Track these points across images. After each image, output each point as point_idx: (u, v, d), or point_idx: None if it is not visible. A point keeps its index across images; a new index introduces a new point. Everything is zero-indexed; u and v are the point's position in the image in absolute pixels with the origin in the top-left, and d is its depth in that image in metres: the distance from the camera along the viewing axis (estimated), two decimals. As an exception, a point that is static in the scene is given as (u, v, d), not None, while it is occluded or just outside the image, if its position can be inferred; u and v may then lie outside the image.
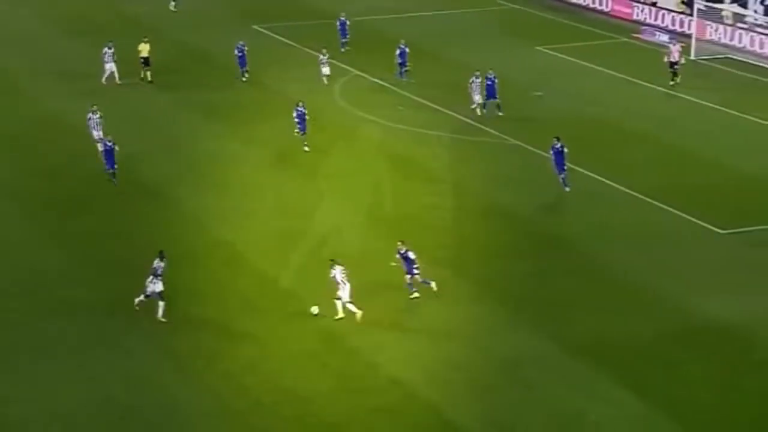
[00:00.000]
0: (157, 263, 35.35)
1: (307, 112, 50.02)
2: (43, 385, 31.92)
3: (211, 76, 62.18)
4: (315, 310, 35.34)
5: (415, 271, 36.41)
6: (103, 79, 59.69)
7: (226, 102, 57.76)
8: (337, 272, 35.41)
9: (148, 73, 59.97)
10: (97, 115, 48.79)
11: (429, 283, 36.62)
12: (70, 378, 32.34)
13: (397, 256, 36.76)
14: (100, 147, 46.88)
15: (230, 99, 58.18)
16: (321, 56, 60.07)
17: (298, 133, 49.97)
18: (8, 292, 37.48)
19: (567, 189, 45.70)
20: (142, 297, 35.12)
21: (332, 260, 35.89)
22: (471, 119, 54.50)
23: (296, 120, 49.95)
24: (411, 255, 36.46)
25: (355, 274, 37.28)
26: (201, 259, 38.59)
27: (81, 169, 48.07)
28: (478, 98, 54.27)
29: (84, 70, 62.10)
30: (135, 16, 76.14)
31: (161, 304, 34.90)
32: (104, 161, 45.05)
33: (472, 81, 54.43)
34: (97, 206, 44.49)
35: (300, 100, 50.63)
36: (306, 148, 49.61)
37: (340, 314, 35.19)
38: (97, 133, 48.57)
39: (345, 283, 35.24)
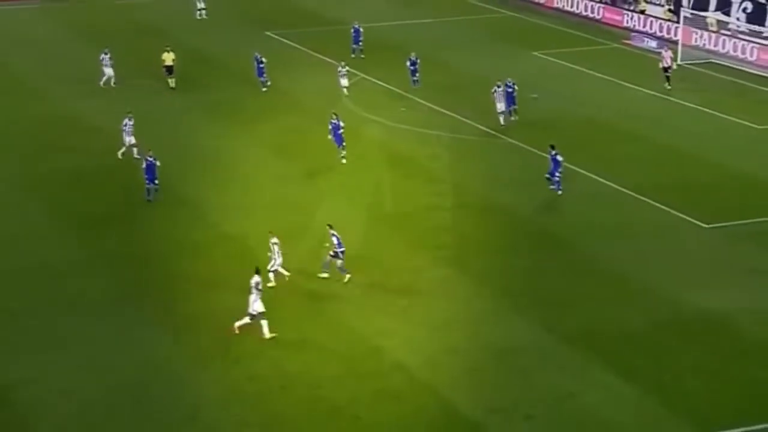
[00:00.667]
0: (255, 279, 33.55)
1: (342, 124, 48.24)
2: (60, 371, 31.79)
3: (223, 80, 61.89)
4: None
5: (340, 255, 36.69)
6: (101, 83, 59.59)
7: (235, 103, 57.56)
8: (273, 242, 36.21)
9: (172, 81, 59.48)
10: (132, 122, 48.33)
11: (345, 272, 36.75)
12: (85, 365, 32.19)
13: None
14: (140, 159, 46.00)
15: (240, 100, 57.95)
16: (340, 68, 58.42)
17: (335, 146, 48.11)
18: (25, 284, 37.27)
19: (551, 187, 45.16)
20: (246, 319, 33.43)
21: (270, 232, 36.61)
22: (471, 120, 54.36)
23: (330, 132, 48.25)
24: (335, 240, 36.74)
25: (358, 268, 37.25)
26: (209, 251, 38.47)
27: (96, 166, 47.96)
28: (501, 106, 53.23)
29: (96, 72, 61.73)
30: (148, 23, 75.99)
31: (263, 323, 33.36)
32: (145, 176, 43.63)
33: (494, 90, 53.34)
34: (110, 202, 44.30)
35: (334, 112, 49.33)
36: (343, 160, 48.01)
37: (272, 282, 36.16)
38: (129, 138, 48.17)
39: (278, 256, 35.99)
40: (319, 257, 37.72)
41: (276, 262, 36.45)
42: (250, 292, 33.43)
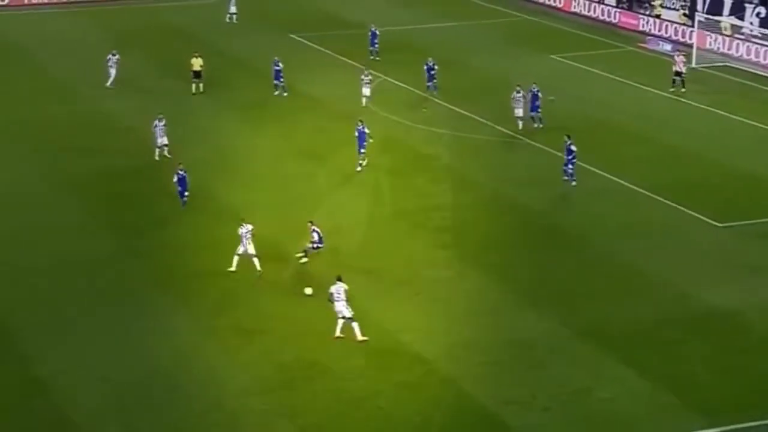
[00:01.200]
0: (336, 287, 33.43)
1: (368, 131, 47.45)
2: (93, 360, 32.26)
3: (247, 81, 61.85)
4: (308, 290, 35.47)
5: (316, 247, 37.83)
6: (108, 83, 59.96)
7: (259, 103, 57.74)
8: (244, 231, 37.43)
9: (201, 85, 59.34)
10: (162, 123, 48.53)
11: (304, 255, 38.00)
12: (121, 352, 32.73)
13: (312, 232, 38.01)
14: (171, 158, 46.68)
15: (264, 101, 58.07)
16: (363, 76, 56.99)
17: (358, 151, 47.24)
18: (60, 278, 37.74)
19: (564, 178, 45.87)
20: (355, 326, 33.07)
21: (242, 219, 38.00)
22: (488, 121, 54.55)
23: (356, 138, 47.31)
24: (315, 235, 37.76)
25: (379, 265, 37.48)
26: (235, 245, 38.80)
27: (126, 165, 48.36)
28: (519, 111, 52.87)
29: (128, 76, 62.13)
30: (180, 26, 76.32)
31: (354, 325, 33.10)
32: (177, 188, 43.26)
33: (513, 96, 53.07)
34: (141, 199, 44.75)
35: (360, 119, 48.71)
36: (360, 169, 47.31)
37: (233, 267, 37.50)
38: (160, 140, 48.42)
39: (248, 242, 37.28)
40: (336, 254, 38.33)
41: (242, 248, 37.42)
42: (335, 300, 33.28)
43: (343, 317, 33.20)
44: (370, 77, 57.11)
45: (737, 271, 38.45)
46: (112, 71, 60.10)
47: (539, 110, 53.33)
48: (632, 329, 34.20)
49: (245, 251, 37.57)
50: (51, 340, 33.45)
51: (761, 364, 32.44)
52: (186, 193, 43.27)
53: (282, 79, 58.97)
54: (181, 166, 43.63)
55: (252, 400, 30.29)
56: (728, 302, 35.95)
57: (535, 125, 53.25)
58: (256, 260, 37.52)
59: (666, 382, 31.10)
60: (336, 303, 33.36)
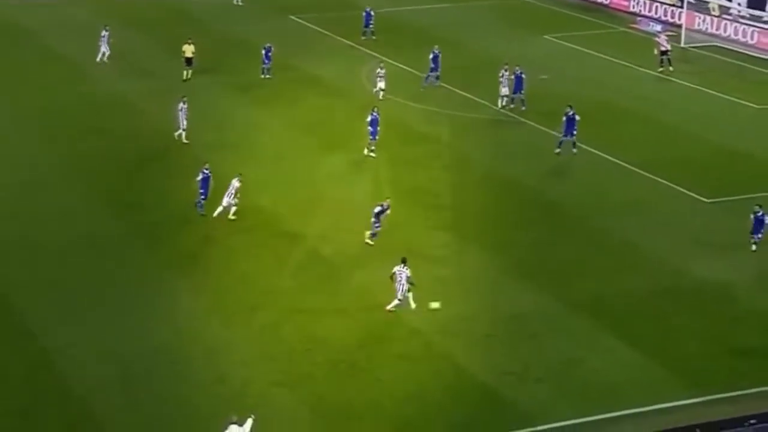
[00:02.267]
0: (400, 269, 33.13)
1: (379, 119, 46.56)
2: (103, 333, 32.11)
3: (247, 62, 61.17)
4: (434, 305, 33.25)
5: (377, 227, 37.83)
6: (98, 59, 59.52)
7: (260, 83, 57.30)
8: (236, 184, 39.32)
9: (190, 72, 57.80)
10: (186, 106, 47.67)
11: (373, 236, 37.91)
12: (127, 327, 32.54)
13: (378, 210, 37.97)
14: (189, 144, 46.78)
15: (265, 81, 57.62)
16: (378, 69, 54.93)
17: (369, 138, 46.13)
18: (69, 256, 37.48)
19: (557, 151, 46.16)
20: (397, 302, 33.13)
21: (240, 173, 39.75)
22: (484, 100, 54.31)
23: (368, 124, 46.15)
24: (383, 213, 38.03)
25: (380, 240, 37.34)
26: (240, 223, 38.63)
27: (136, 145, 47.93)
28: (505, 90, 52.67)
29: (136, 56, 61.89)
30: (185, 10, 75.78)
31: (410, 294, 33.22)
32: (199, 189, 40.41)
33: (502, 75, 52.71)
34: (149, 179, 44.37)
35: (375, 106, 47.77)
36: (366, 153, 46.10)
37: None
38: (183, 123, 47.62)
39: (233, 197, 39.30)
40: (337, 229, 38.47)
41: (229, 201, 39.15)
42: (397, 281, 32.98)
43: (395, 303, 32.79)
44: (384, 71, 54.94)
45: (725, 245, 38.39)
46: (103, 47, 59.63)
47: (522, 92, 52.69)
48: (625, 302, 34.18)
49: (228, 202, 39.05)
50: (56, 316, 33.20)
51: (748, 335, 32.44)
52: (205, 196, 40.16)
53: (268, 62, 57.70)
54: (206, 166, 40.86)
55: (253, 372, 30.20)
56: (716, 275, 35.97)
57: (522, 108, 52.70)
58: (234, 208, 39.33)
59: (656, 353, 31.11)
60: (395, 284, 32.94)
